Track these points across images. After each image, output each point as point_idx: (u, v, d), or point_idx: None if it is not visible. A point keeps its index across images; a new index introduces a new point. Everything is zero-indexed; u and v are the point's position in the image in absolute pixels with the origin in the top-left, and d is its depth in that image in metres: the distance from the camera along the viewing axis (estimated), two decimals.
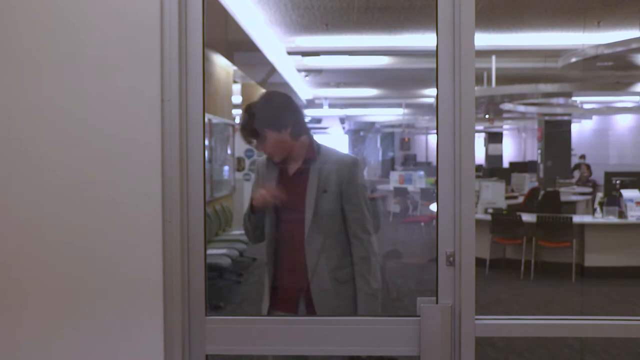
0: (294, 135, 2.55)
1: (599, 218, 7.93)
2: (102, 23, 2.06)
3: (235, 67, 9.78)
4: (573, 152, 16.04)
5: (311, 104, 14.76)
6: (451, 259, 2.10)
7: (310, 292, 2.53)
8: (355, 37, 9.16)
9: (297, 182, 2.56)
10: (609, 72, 10.41)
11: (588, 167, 14.03)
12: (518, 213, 8.16)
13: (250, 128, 2.55)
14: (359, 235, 2.54)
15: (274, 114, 2.55)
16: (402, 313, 2.32)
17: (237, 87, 12.01)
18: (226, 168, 9.31)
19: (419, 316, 2.11)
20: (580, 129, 17.39)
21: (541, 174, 15.23)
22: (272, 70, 9.28)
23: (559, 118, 14.99)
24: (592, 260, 7.80)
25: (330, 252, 2.54)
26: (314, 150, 2.58)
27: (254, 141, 2.57)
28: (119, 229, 2.07)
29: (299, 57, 9.97)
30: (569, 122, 15.86)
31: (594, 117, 16.45)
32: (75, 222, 2.07)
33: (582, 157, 15.31)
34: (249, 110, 2.58)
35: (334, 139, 20.76)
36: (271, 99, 2.62)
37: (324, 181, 2.53)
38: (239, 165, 10.88)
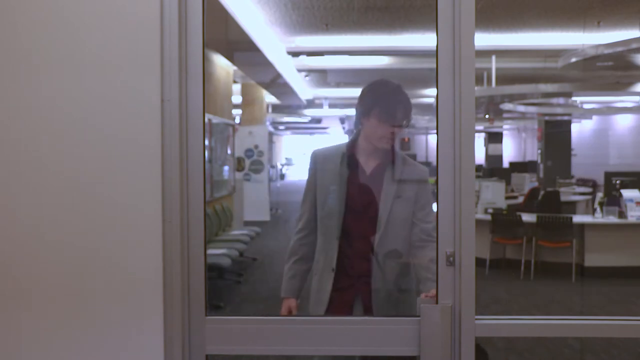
0: None
1: (599, 218, 7.93)
2: (102, 23, 2.05)
3: (235, 67, 9.78)
4: (573, 152, 16.02)
5: (311, 104, 14.75)
6: (451, 259, 2.10)
7: (371, 297, 2.44)
8: (355, 37, 9.16)
9: (374, 182, 2.50)
10: (609, 72, 10.41)
11: None
12: (518, 213, 8.16)
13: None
14: (430, 241, 2.42)
15: None
16: (402, 313, 2.32)
17: (237, 87, 12.02)
18: (226, 168, 9.32)
19: (419, 316, 2.11)
20: (580, 129, 17.38)
21: (541, 174, 15.23)
22: (278, 75, 9.30)
23: (559, 118, 14.99)
24: (592, 260, 7.80)
25: (398, 258, 2.48)
26: (394, 151, 2.53)
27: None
28: (119, 229, 2.07)
29: (299, 56, 9.97)
30: (569, 122, 15.87)
31: (594, 117, 16.45)
32: (75, 222, 2.07)
33: None
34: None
35: (334, 138, 20.71)
36: None
37: (401, 185, 2.48)
38: (239, 165, 10.87)
